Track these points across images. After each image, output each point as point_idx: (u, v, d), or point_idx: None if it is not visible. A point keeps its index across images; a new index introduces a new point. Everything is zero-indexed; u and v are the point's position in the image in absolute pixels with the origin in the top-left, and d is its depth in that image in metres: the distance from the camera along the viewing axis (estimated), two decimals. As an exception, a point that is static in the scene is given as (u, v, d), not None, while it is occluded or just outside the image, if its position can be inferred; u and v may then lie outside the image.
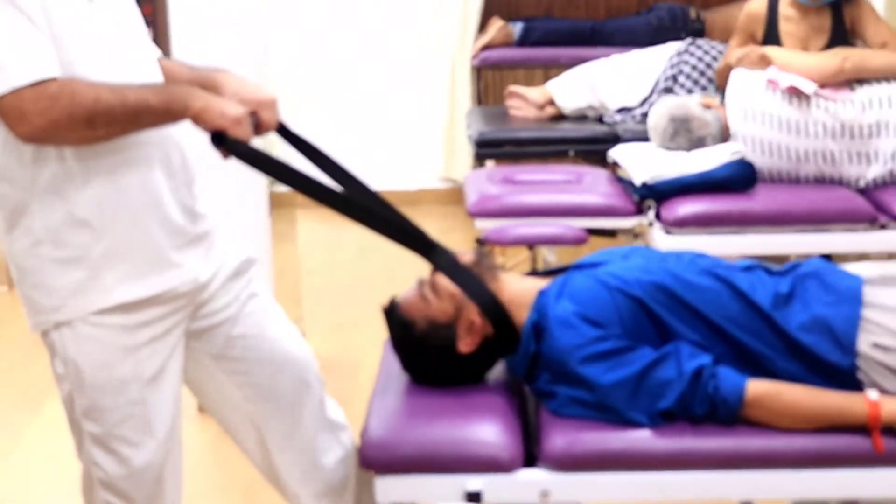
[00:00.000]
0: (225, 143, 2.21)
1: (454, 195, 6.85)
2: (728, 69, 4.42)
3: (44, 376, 2.35)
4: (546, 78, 5.97)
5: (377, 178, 6.81)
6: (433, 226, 6.36)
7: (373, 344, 2.69)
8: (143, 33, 2.38)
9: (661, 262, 2.54)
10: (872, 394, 2.34)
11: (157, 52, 2.47)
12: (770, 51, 4.30)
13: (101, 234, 2.21)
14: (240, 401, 2.53)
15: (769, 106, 4.16)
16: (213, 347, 2.48)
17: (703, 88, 5.14)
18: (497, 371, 2.62)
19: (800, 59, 4.26)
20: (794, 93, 4.14)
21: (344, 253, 5.81)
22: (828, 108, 4.13)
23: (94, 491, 2.42)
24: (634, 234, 4.18)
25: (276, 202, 4.41)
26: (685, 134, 4.28)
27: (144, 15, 7.56)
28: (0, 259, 5.12)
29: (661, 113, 4.37)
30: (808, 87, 4.13)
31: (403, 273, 2.94)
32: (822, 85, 4.17)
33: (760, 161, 4.15)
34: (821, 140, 4.13)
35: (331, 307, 5.07)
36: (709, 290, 2.45)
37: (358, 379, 2.90)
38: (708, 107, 4.32)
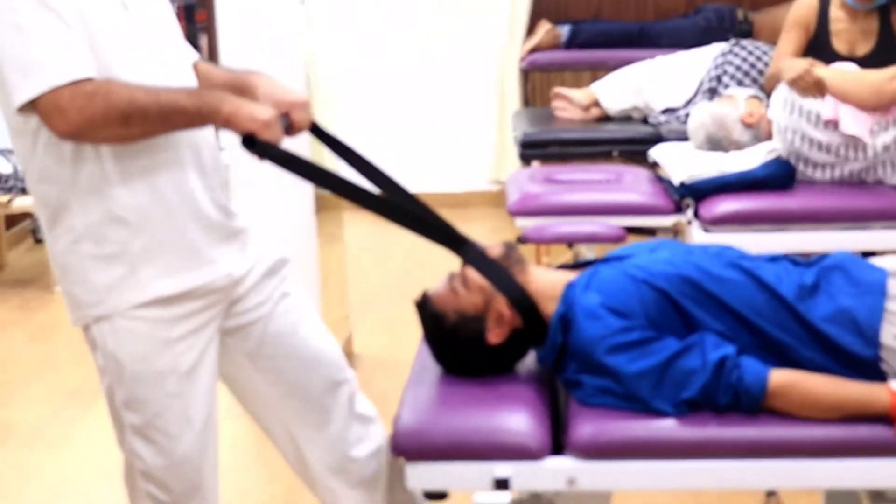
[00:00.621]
0: (256, 145, 2.28)
1: (504, 197, 6.89)
2: (778, 78, 4.28)
3: (95, 374, 2.44)
4: (593, 80, 6.01)
5: (428, 181, 6.94)
6: (483, 226, 6.44)
7: (418, 342, 2.76)
8: (179, 38, 2.47)
9: (687, 255, 2.59)
10: (895, 384, 2.37)
11: (194, 55, 2.55)
12: (825, 74, 4.09)
13: (138, 230, 2.30)
14: (272, 397, 2.61)
15: (820, 135, 4.08)
16: (248, 345, 2.55)
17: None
18: (528, 361, 2.68)
19: (856, 87, 4.07)
20: (853, 140, 4.06)
21: (391, 253, 5.90)
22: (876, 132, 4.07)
23: (135, 481, 2.50)
24: (674, 231, 4.21)
25: (323, 204, 4.49)
26: (721, 150, 4.31)
27: (199, 21, 7.67)
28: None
29: (699, 124, 4.39)
30: (866, 136, 4.03)
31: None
32: (877, 109, 4.05)
33: (800, 173, 4.13)
34: (869, 160, 4.10)
35: (377, 307, 5.15)
36: (734, 282, 2.49)
37: (403, 376, 2.95)
38: (750, 124, 4.31)
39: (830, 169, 4.11)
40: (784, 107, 4.13)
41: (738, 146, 4.29)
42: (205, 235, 2.38)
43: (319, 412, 2.61)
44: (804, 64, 4.10)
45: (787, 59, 4.35)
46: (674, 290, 2.47)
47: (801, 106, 4.10)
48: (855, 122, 4.04)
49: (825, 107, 4.06)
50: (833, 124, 4.06)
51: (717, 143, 4.33)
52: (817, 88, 4.07)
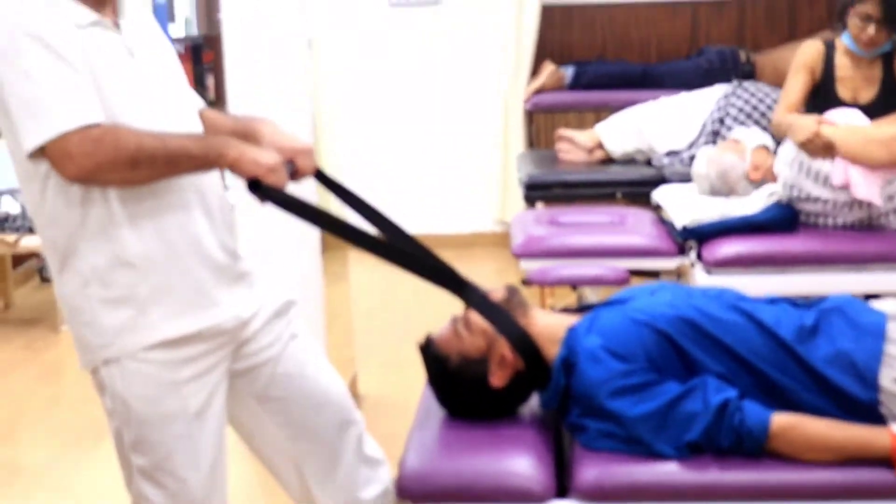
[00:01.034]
0: (261, 189, 2.31)
1: (509, 238, 6.92)
2: (786, 130, 4.23)
3: (102, 414, 2.46)
4: (597, 121, 6.04)
5: (432, 222, 6.97)
6: (487, 268, 6.46)
7: (423, 384, 2.78)
8: (184, 85, 2.50)
9: (688, 298, 2.61)
10: (896, 427, 2.39)
11: (199, 102, 2.59)
12: (834, 136, 4.04)
13: (145, 273, 2.33)
14: (281, 439, 2.62)
15: (824, 193, 4.09)
16: (256, 387, 2.57)
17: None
18: (532, 404, 2.70)
19: (865, 149, 4.02)
20: (866, 202, 4.06)
21: (396, 295, 5.91)
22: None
23: (143, 523, 2.51)
24: (677, 274, 4.24)
25: (328, 245, 4.51)
26: (723, 197, 4.35)
27: (206, 62, 7.72)
28: (63, 302, 5.29)
29: (703, 173, 4.42)
30: (878, 199, 4.03)
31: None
32: (888, 167, 4.03)
33: (805, 219, 4.16)
34: (874, 211, 4.12)
35: (382, 348, 5.16)
36: (734, 324, 2.52)
37: (409, 418, 2.97)
38: (754, 180, 4.34)
39: (833, 219, 4.13)
40: (791, 165, 4.15)
41: (739, 198, 4.33)
42: (212, 277, 2.41)
43: (328, 454, 2.63)
44: (813, 125, 4.07)
45: (793, 103, 4.38)
46: (675, 332, 2.50)
47: (810, 167, 4.11)
48: (866, 187, 4.01)
49: (836, 171, 4.04)
50: (845, 189, 4.06)
51: (718, 194, 4.37)
52: (827, 151, 4.05)
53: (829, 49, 4.49)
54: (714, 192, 4.39)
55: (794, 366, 2.47)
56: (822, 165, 4.07)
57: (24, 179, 2.34)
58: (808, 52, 4.51)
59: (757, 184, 4.36)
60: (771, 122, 4.61)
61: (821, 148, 4.04)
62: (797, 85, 4.48)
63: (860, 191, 4.01)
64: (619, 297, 2.71)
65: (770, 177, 4.33)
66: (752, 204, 4.15)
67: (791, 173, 4.13)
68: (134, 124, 2.25)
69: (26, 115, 2.19)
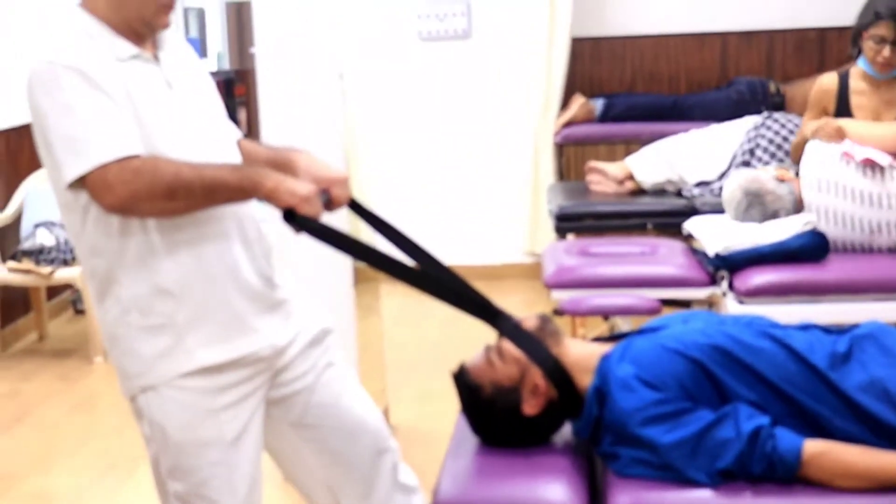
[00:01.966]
0: (296, 219, 2.34)
1: (538, 269, 6.93)
2: (803, 143, 4.45)
3: (138, 441, 2.49)
4: (627, 153, 6.07)
5: (464, 253, 6.99)
6: (517, 299, 6.47)
7: (455, 414, 2.79)
8: (222, 115, 2.55)
9: (720, 325, 2.62)
10: (930, 454, 2.39)
11: (237, 132, 2.63)
12: (845, 123, 4.35)
13: (183, 302, 2.36)
14: (317, 467, 2.64)
15: (843, 177, 4.20)
16: (292, 415, 2.59)
17: (781, 161, 5.20)
18: (564, 432, 2.71)
19: (874, 131, 4.31)
20: (870, 164, 4.18)
21: (427, 325, 5.93)
22: None
23: (178, 549, 2.53)
24: (708, 304, 4.24)
25: (360, 277, 4.54)
26: (759, 207, 4.35)
27: (238, 95, 7.82)
28: (97, 331, 5.34)
29: (734, 186, 4.45)
30: (884, 159, 4.17)
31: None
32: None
33: (834, 232, 4.20)
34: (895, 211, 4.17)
35: (415, 379, 5.18)
36: (766, 352, 2.52)
37: (441, 448, 2.98)
38: (782, 180, 4.38)
39: (860, 224, 4.16)
40: (812, 187, 4.21)
41: (775, 196, 4.33)
42: (249, 305, 2.44)
43: (363, 481, 2.64)
44: (824, 119, 4.38)
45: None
46: (707, 360, 2.51)
47: (825, 152, 4.23)
48: (871, 150, 4.20)
49: (844, 146, 4.24)
50: (849, 157, 4.19)
51: (753, 197, 4.37)
52: (838, 134, 4.29)
53: (843, 79, 4.53)
54: (748, 197, 4.38)
55: (827, 393, 2.48)
56: (842, 177, 4.22)
57: (64, 210, 2.38)
58: (818, 90, 4.63)
59: (788, 185, 4.36)
60: (789, 153, 4.72)
61: (832, 132, 4.30)
62: (810, 121, 4.58)
63: (864, 153, 4.17)
64: (651, 326, 2.73)
65: (796, 185, 4.35)
66: (785, 230, 4.15)
67: (816, 194, 4.21)
68: (172, 155, 2.29)
69: (67, 146, 2.23)
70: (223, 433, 2.43)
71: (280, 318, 2.51)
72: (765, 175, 4.42)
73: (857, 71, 4.51)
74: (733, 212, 4.45)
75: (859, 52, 4.48)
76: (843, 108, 4.51)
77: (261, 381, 2.49)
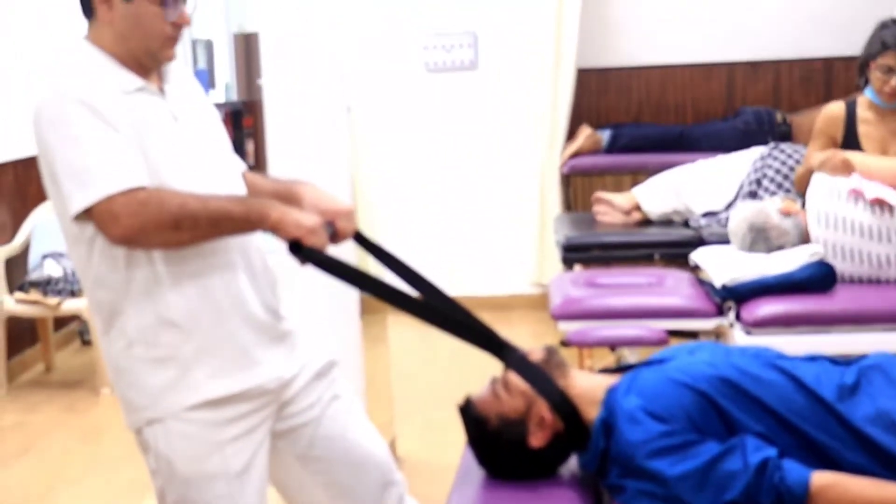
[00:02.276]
0: (301, 251, 2.35)
1: (546, 300, 6.92)
2: (809, 174, 4.43)
3: (144, 473, 2.49)
4: (634, 184, 6.06)
5: (470, 284, 6.99)
6: (525, 330, 6.46)
7: (462, 446, 2.78)
8: (227, 148, 2.55)
9: (726, 357, 2.61)
10: (939, 487, 2.37)
11: (242, 165, 2.63)
12: (852, 156, 4.33)
13: (189, 333, 2.36)
14: (323, 500, 2.64)
15: (850, 212, 4.17)
16: (298, 448, 2.59)
17: (787, 191, 5.20)
18: (571, 465, 2.69)
19: (882, 164, 4.30)
20: (879, 204, 4.15)
21: (434, 357, 5.92)
22: None
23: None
24: (716, 334, 4.23)
25: (367, 307, 4.54)
26: (764, 242, 4.35)
27: (246, 127, 7.82)
28: (104, 362, 5.34)
29: (740, 220, 4.44)
30: (894, 197, 4.16)
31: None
32: None
33: (841, 266, 4.18)
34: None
35: (422, 410, 5.17)
36: (774, 383, 2.51)
37: (448, 480, 2.98)
38: (788, 213, 4.37)
39: (868, 259, 4.14)
40: (819, 221, 4.20)
41: (780, 231, 4.32)
42: (255, 337, 2.44)
43: None
44: (831, 150, 4.35)
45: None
46: (714, 392, 2.50)
47: (832, 186, 4.21)
48: (879, 188, 4.15)
49: (851, 181, 4.20)
50: (860, 195, 4.14)
51: (758, 232, 4.36)
52: (844, 167, 4.25)
53: (851, 108, 4.52)
54: (753, 232, 4.37)
55: (835, 424, 2.46)
56: (842, 182, 4.21)
57: (71, 242, 2.38)
58: (824, 120, 4.60)
59: (794, 218, 4.35)
60: (794, 183, 4.71)
61: (839, 165, 4.26)
62: (816, 150, 4.56)
63: (873, 191, 4.12)
64: (658, 357, 2.72)
65: (802, 217, 4.34)
66: (792, 261, 4.14)
67: (822, 229, 4.19)
68: (178, 187, 2.30)
69: (73, 178, 2.24)
70: (229, 466, 2.42)
71: (286, 350, 2.51)
72: (771, 208, 4.40)
73: (864, 101, 4.51)
74: (738, 244, 4.44)
75: (866, 81, 4.48)
76: (850, 137, 4.50)
77: (266, 413, 2.49)
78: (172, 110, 2.40)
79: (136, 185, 2.24)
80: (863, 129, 4.50)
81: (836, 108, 4.59)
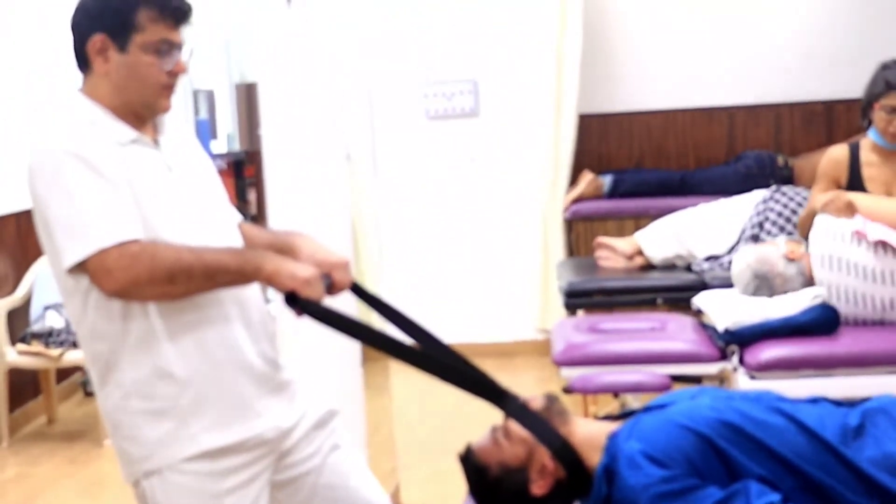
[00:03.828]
0: (297, 302, 2.34)
1: (549, 345, 6.90)
2: (812, 216, 4.42)
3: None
4: (636, 228, 6.06)
5: (473, 331, 6.97)
6: (529, 376, 6.44)
7: (465, 494, 2.76)
8: (223, 198, 2.55)
9: (728, 401, 2.60)
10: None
11: (238, 216, 2.63)
12: (855, 197, 4.32)
13: (186, 385, 2.35)
14: None
15: (853, 254, 4.15)
16: (298, 498, 2.57)
17: (790, 234, 5.19)
18: (573, 514, 2.67)
19: (885, 205, 4.28)
20: (882, 245, 4.13)
21: (437, 405, 5.88)
22: None
23: None
24: (720, 379, 4.21)
25: (369, 356, 4.52)
26: (767, 290, 4.34)
27: (247, 176, 7.81)
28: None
29: (743, 267, 4.43)
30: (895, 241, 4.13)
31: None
32: None
33: (845, 309, 4.16)
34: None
35: (426, 458, 5.14)
36: (776, 427, 2.49)
37: (453, 529, 2.97)
38: (792, 258, 4.35)
39: (871, 302, 4.12)
40: (823, 264, 4.18)
41: (784, 279, 4.31)
42: (253, 388, 2.43)
43: None
44: (834, 192, 4.33)
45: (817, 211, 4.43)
46: (716, 436, 2.48)
47: (835, 229, 4.18)
48: (882, 230, 4.13)
49: (855, 223, 4.18)
50: (863, 237, 4.12)
51: (762, 279, 4.35)
52: (848, 209, 4.23)
53: (854, 151, 4.52)
54: (756, 279, 4.36)
55: (840, 467, 2.44)
56: (852, 255, 4.16)
57: (66, 294, 2.38)
58: (828, 163, 4.58)
59: (798, 265, 4.33)
60: (797, 225, 4.67)
61: (842, 206, 4.25)
62: (819, 193, 4.53)
63: (876, 233, 4.10)
64: (659, 402, 2.70)
65: (806, 261, 4.32)
66: (795, 305, 4.13)
67: (824, 271, 4.17)
68: (173, 239, 2.29)
69: (67, 232, 2.24)
70: (228, 518, 2.40)
71: (284, 400, 2.50)
72: (774, 255, 4.38)
73: (868, 143, 4.50)
74: (742, 290, 4.43)
75: (870, 123, 4.47)
76: (854, 179, 4.49)
77: (265, 463, 2.47)
78: (167, 161, 2.40)
79: (130, 239, 2.23)
80: (867, 172, 4.49)
81: (839, 150, 4.58)
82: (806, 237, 4.48)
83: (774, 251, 4.41)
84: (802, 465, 2.45)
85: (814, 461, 2.45)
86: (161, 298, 2.29)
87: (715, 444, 2.47)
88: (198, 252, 2.28)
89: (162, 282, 2.24)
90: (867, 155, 4.50)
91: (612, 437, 2.56)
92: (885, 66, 4.41)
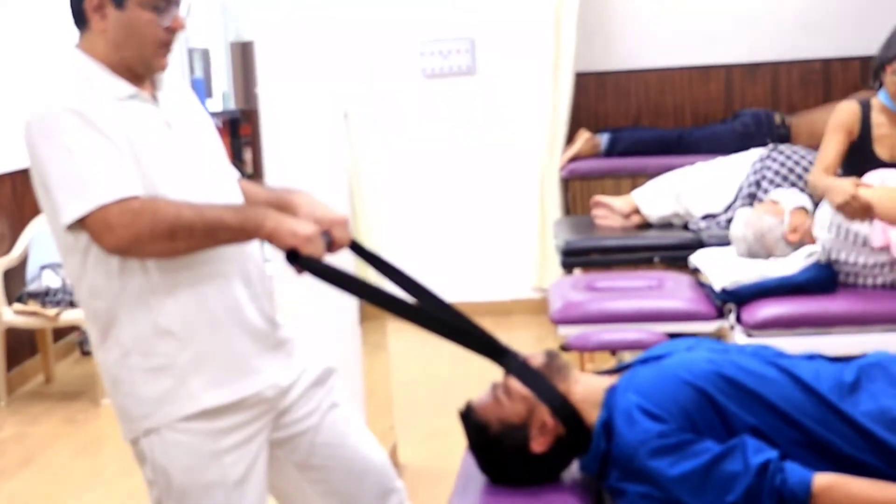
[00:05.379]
0: (298, 260, 2.34)
1: (546, 304, 6.91)
2: (822, 193, 4.26)
3: (143, 485, 2.47)
4: (633, 187, 6.06)
5: (470, 290, 6.98)
6: (527, 335, 6.45)
7: (463, 452, 2.77)
8: (222, 155, 2.54)
9: (724, 353, 2.60)
10: (943, 487, 2.36)
11: (236, 173, 2.62)
12: (870, 196, 4.06)
13: (185, 342, 2.34)
14: None
15: (862, 256, 4.11)
16: (297, 456, 2.57)
17: (799, 188, 5.15)
18: (572, 469, 2.68)
19: None
20: None
21: (435, 363, 5.90)
22: None
23: None
24: (717, 337, 4.22)
25: (366, 314, 4.52)
26: (762, 257, 4.34)
27: (243, 135, 7.80)
28: (104, 375, 5.32)
29: (740, 235, 4.42)
30: None
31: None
32: None
33: (844, 280, 4.15)
34: None
35: (423, 417, 5.15)
36: (773, 380, 2.49)
37: (448, 487, 2.96)
38: (793, 242, 4.33)
39: (872, 279, 4.12)
40: (829, 229, 4.15)
41: (780, 255, 4.32)
42: (251, 345, 2.42)
43: None
44: (850, 188, 4.07)
45: (830, 164, 4.34)
46: (713, 389, 2.48)
47: (848, 229, 4.11)
48: None
49: (875, 233, 4.05)
50: (886, 248, 4.06)
51: (757, 256, 4.37)
52: (865, 213, 4.05)
53: (865, 109, 4.47)
54: (752, 254, 4.38)
55: (837, 421, 2.44)
56: (861, 228, 4.06)
57: (64, 252, 2.37)
58: (844, 113, 4.49)
59: (795, 245, 4.35)
60: (808, 182, 4.59)
61: (859, 210, 4.04)
62: (833, 146, 4.45)
63: None
64: (655, 354, 2.70)
65: (808, 238, 4.32)
66: (791, 265, 4.13)
67: (829, 236, 4.12)
68: (173, 195, 2.28)
69: (66, 188, 2.23)
70: (227, 476, 2.41)
71: (283, 358, 2.50)
72: (774, 234, 4.34)
73: (878, 104, 4.46)
74: (738, 252, 4.43)
75: (881, 85, 4.43)
76: (864, 138, 4.44)
77: (264, 422, 2.47)
78: (166, 117, 2.39)
79: (130, 195, 2.22)
80: (876, 133, 4.45)
81: (852, 104, 4.52)
82: (816, 202, 4.41)
83: (777, 228, 4.37)
84: (800, 418, 2.45)
85: (811, 415, 2.45)
86: (162, 255, 2.28)
87: (712, 397, 2.47)
88: (199, 209, 2.27)
89: (163, 238, 2.23)
90: (877, 116, 4.47)
91: (610, 392, 2.56)
92: None
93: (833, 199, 4.11)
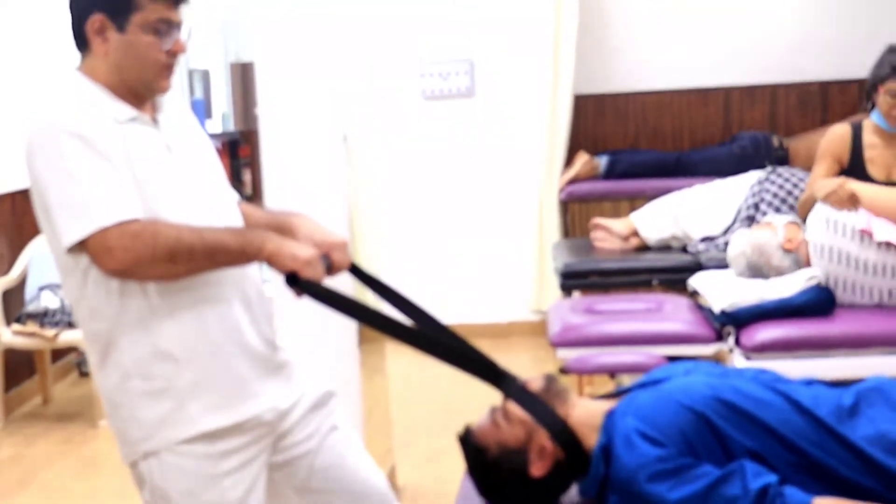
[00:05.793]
0: (298, 283, 2.34)
1: (545, 326, 6.90)
2: (813, 201, 4.37)
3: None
4: (632, 209, 6.06)
5: (469, 312, 6.98)
6: (525, 357, 6.44)
7: (462, 475, 2.77)
8: (222, 178, 2.54)
9: (723, 378, 2.60)
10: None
11: (236, 196, 2.62)
12: (858, 188, 4.22)
13: (184, 365, 2.34)
14: None
15: (855, 250, 4.13)
16: (296, 480, 2.57)
17: (791, 208, 5.17)
18: (571, 493, 2.67)
19: (889, 197, 4.21)
20: (887, 245, 4.09)
21: (434, 386, 5.90)
22: None
23: None
24: (715, 360, 4.21)
25: (365, 337, 4.52)
26: (761, 277, 4.34)
27: (242, 157, 7.78)
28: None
29: (738, 252, 4.42)
30: None
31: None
32: None
33: (842, 297, 4.17)
34: None
35: (422, 439, 5.14)
36: (772, 404, 2.49)
37: (448, 509, 2.98)
38: (789, 250, 4.34)
39: (870, 292, 4.12)
40: (822, 255, 4.17)
41: (779, 272, 4.31)
42: (251, 369, 2.42)
43: None
44: (837, 180, 4.19)
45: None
46: (711, 412, 2.48)
47: (837, 221, 4.15)
48: (889, 230, 4.08)
49: (859, 219, 4.12)
50: (868, 235, 4.09)
51: (757, 270, 4.36)
52: (851, 201, 4.15)
53: (857, 131, 4.50)
54: (751, 269, 4.37)
55: (836, 445, 2.44)
56: (849, 218, 4.12)
57: (64, 273, 2.37)
58: (831, 139, 4.54)
59: (794, 256, 4.33)
60: (797, 208, 4.63)
61: (845, 198, 4.15)
62: (822, 172, 4.51)
63: (882, 233, 4.06)
64: (653, 378, 2.70)
65: (804, 249, 4.32)
66: (790, 286, 4.13)
67: (822, 233, 4.17)
68: (172, 218, 2.29)
69: (66, 211, 2.23)
70: (226, 499, 2.40)
71: (282, 381, 2.50)
72: (771, 244, 4.35)
73: (870, 125, 4.48)
74: (737, 272, 4.43)
75: (873, 105, 4.45)
76: (855, 160, 4.47)
77: (263, 445, 2.47)
78: (166, 140, 2.39)
79: (130, 218, 2.23)
80: (868, 153, 4.47)
81: (842, 128, 4.56)
82: (804, 219, 4.47)
83: (772, 239, 4.39)
84: (799, 442, 2.45)
85: (810, 439, 2.46)
86: (162, 278, 2.29)
87: (711, 421, 2.47)
88: (199, 231, 2.27)
89: (163, 261, 2.23)
90: (869, 137, 4.49)
91: (609, 416, 2.56)
92: (892, 49, 4.38)
93: (819, 193, 4.22)
